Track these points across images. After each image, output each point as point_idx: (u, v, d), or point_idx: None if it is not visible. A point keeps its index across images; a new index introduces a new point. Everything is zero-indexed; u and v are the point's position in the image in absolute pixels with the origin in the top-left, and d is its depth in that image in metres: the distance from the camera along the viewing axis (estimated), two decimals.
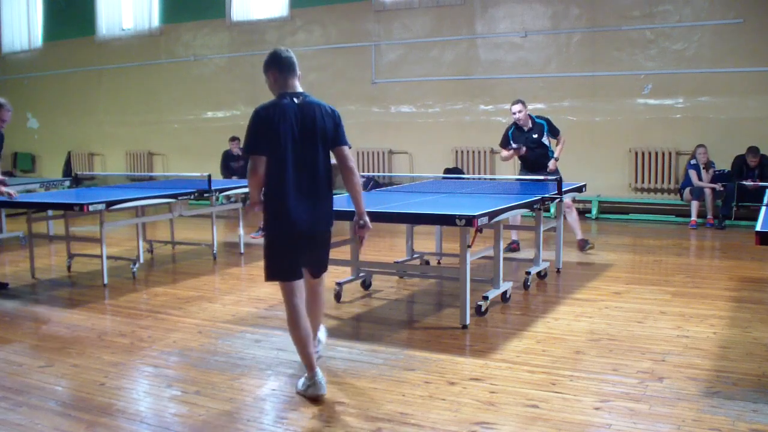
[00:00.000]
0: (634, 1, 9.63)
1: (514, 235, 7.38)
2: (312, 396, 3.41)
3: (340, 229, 5.39)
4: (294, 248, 3.46)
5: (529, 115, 7.09)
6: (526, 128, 7.07)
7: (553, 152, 7.14)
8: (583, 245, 7.10)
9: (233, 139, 11.42)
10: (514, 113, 7.01)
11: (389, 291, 5.68)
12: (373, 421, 3.13)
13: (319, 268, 3.68)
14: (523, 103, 7.07)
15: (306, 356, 3.46)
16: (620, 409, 3.21)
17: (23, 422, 3.17)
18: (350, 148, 3.60)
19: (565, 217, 6.86)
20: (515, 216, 6.60)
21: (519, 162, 7.38)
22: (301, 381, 3.50)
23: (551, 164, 7.00)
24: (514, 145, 7.04)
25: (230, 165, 11.10)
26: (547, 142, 7.11)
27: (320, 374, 3.45)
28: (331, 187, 3.59)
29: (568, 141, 7.40)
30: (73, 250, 6.74)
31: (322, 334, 4.04)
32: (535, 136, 7.07)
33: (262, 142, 3.38)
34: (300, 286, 3.50)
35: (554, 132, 7.14)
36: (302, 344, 3.46)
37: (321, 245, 3.64)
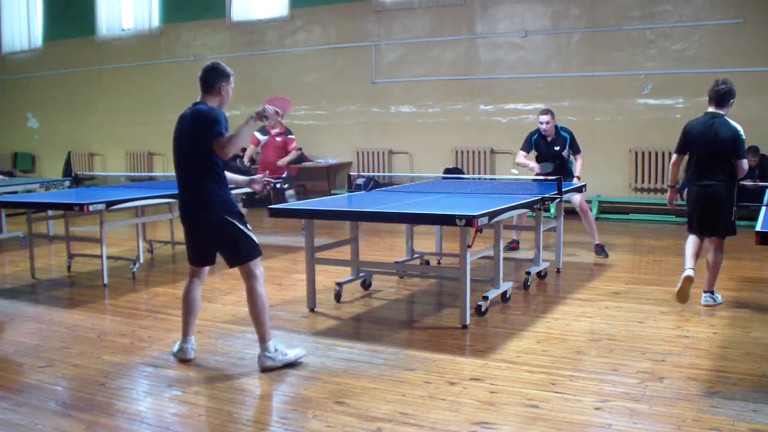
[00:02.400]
0: (634, 1, 9.63)
1: (514, 234, 7.37)
2: (179, 358, 3.98)
3: (340, 229, 5.40)
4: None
5: (555, 125, 7.04)
6: (549, 138, 7.02)
7: (572, 165, 7.09)
8: (598, 250, 6.97)
9: None
10: (542, 123, 6.96)
11: (389, 291, 5.68)
12: (373, 421, 3.13)
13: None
14: (551, 113, 7.01)
15: (182, 324, 4.04)
16: (620, 409, 3.21)
17: (23, 422, 3.17)
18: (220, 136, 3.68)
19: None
20: (521, 215, 6.60)
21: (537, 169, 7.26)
22: (176, 344, 4.07)
23: (575, 183, 6.89)
24: (532, 165, 7.10)
25: (230, 164, 11.12)
26: (566, 155, 7.05)
27: (191, 342, 4.03)
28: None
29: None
30: (73, 250, 6.73)
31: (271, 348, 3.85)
32: (557, 148, 7.01)
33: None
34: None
35: (575, 149, 7.04)
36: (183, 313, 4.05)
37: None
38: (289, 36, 12.13)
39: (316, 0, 11.76)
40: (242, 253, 3.80)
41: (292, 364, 3.84)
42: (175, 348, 4.07)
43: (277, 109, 3.90)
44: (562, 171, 6.95)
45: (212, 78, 3.81)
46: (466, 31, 10.76)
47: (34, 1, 14.83)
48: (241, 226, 3.77)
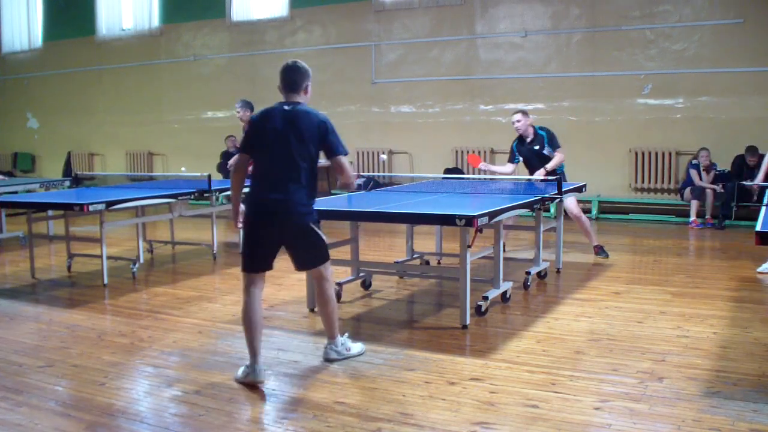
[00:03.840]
0: (634, 1, 9.64)
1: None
2: (251, 382, 3.58)
3: (340, 229, 5.40)
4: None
5: (532, 125, 6.88)
6: (527, 139, 6.87)
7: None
8: (598, 251, 6.93)
9: (229, 137, 11.46)
10: (513, 122, 6.82)
11: (389, 291, 5.68)
12: (373, 421, 3.13)
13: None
14: (524, 113, 6.86)
15: (248, 344, 3.67)
16: (620, 409, 3.21)
17: (23, 422, 3.17)
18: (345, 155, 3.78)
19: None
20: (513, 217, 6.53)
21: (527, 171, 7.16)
22: (241, 369, 3.67)
23: (539, 173, 6.64)
24: (498, 168, 7.17)
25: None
26: (548, 154, 6.85)
27: (260, 363, 3.62)
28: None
29: (568, 142, 7.32)
30: (73, 250, 6.73)
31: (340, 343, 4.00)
32: (536, 147, 6.85)
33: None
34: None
35: (553, 145, 6.81)
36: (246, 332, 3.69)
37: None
38: (289, 36, 12.13)
39: (316, 0, 11.76)
40: (318, 258, 3.83)
41: (356, 357, 3.99)
42: (240, 373, 3.66)
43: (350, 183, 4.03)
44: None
45: (299, 78, 3.81)
46: (466, 31, 10.76)
47: (34, 1, 14.83)
48: (320, 233, 3.80)
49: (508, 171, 7.08)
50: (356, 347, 4.04)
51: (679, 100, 9.57)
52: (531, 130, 6.89)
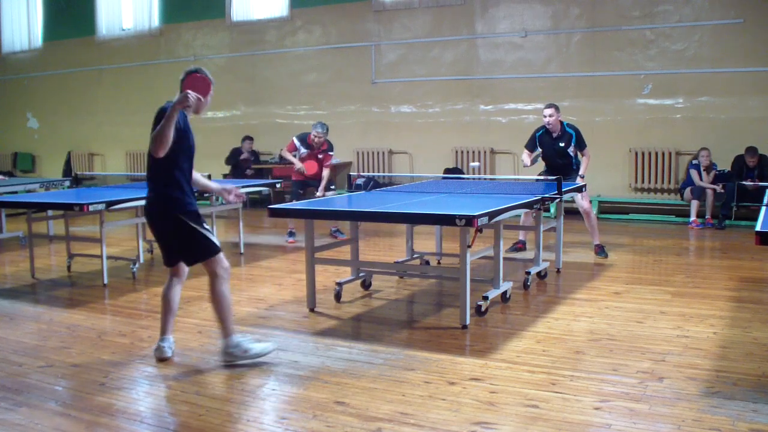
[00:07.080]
0: (634, 1, 9.64)
1: (521, 235, 7.34)
2: (157, 357, 3.98)
3: (341, 229, 5.41)
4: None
5: (561, 121, 6.97)
6: (554, 134, 6.94)
7: (577, 163, 7.02)
8: (598, 251, 6.96)
9: (246, 138, 11.57)
10: (545, 116, 6.89)
11: (389, 291, 5.68)
12: (373, 421, 3.13)
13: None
14: (556, 107, 6.92)
15: (161, 321, 4.05)
16: (620, 409, 3.21)
17: (23, 422, 3.17)
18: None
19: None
20: (526, 215, 6.57)
21: (543, 166, 7.20)
22: (155, 345, 4.05)
23: (579, 182, 6.83)
24: (526, 158, 6.96)
25: (237, 163, 11.41)
26: (572, 153, 6.97)
27: (169, 341, 4.03)
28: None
29: None
30: (73, 250, 6.74)
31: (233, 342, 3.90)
32: (562, 144, 6.92)
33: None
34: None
35: (581, 145, 6.97)
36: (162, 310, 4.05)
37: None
38: (289, 36, 12.13)
39: (316, 0, 11.76)
40: (195, 252, 3.81)
41: (258, 358, 3.90)
42: (154, 346, 4.06)
43: (199, 95, 3.99)
44: (568, 168, 6.94)
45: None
46: (466, 31, 10.76)
47: (34, 1, 14.83)
48: (194, 225, 3.75)
49: (528, 162, 7.04)
50: (258, 347, 3.91)
51: (679, 100, 9.57)
52: (559, 126, 6.95)
